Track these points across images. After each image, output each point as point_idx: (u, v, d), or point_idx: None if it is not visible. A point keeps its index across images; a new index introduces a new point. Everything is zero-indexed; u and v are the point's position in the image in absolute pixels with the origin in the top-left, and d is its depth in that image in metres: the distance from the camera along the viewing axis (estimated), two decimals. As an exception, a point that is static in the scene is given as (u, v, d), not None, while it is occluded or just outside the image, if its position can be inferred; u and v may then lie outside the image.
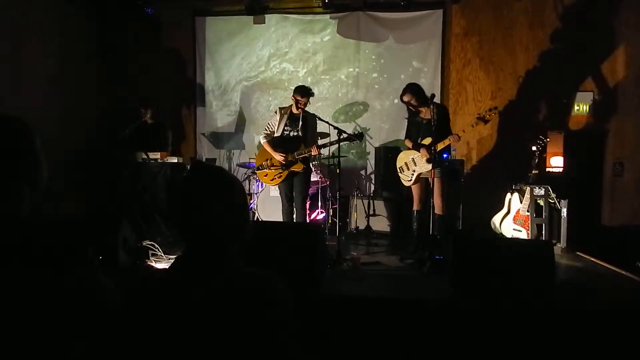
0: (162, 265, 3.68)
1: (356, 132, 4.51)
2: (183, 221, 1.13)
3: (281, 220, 4.67)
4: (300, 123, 4.58)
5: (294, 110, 4.59)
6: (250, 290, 1.07)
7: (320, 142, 4.73)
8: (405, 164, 4.46)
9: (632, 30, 5.60)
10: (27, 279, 1.06)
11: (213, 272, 1.10)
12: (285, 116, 4.63)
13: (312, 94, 4.56)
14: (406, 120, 4.65)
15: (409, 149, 4.48)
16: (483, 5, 6.00)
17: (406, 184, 4.49)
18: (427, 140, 4.21)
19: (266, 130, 4.73)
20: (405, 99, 4.32)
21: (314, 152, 4.42)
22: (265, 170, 4.66)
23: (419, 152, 4.29)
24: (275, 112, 4.73)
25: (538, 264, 2.94)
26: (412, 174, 4.38)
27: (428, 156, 4.14)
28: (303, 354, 1.11)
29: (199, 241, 1.13)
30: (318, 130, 4.83)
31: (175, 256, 1.09)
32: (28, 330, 1.05)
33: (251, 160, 6.01)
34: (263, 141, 4.71)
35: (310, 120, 4.62)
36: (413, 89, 4.31)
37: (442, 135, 4.13)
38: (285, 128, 4.61)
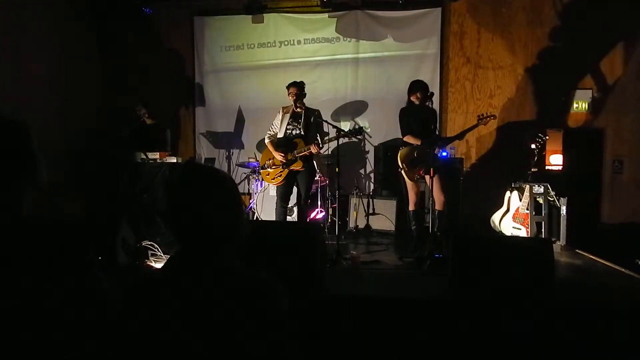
0: (162, 265, 3.67)
1: (355, 128, 4.50)
2: (175, 221, 1.13)
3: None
4: (302, 121, 4.58)
5: (295, 108, 4.60)
6: (247, 291, 1.07)
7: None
8: (412, 160, 4.35)
9: (630, 28, 5.60)
10: (27, 278, 1.07)
11: (206, 272, 1.10)
12: (287, 115, 4.64)
13: (294, 83, 4.60)
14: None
15: (408, 144, 4.39)
16: (481, 3, 6.00)
17: (412, 179, 4.36)
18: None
19: (270, 130, 4.76)
20: (418, 94, 4.31)
21: (313, 150, 4.41)
22: (267, 169, 4.68)
23: (429, 147, 4.17)
24: (279, 112, 4.75)
25: (537, 262, 2.94)
26: (421, 170, 4.29)
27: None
28: (301, 354, 1.11)
29: (191, 241, 1.13)
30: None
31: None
32: (28, 329, 1.05)
33: (250, 160, 6.02)
34: (267, 141, 4.74)
35: (314, 117, 4.57)
36: (424, 86, 4.35)
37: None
38: (288, 127, 4.62)
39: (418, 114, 4.38)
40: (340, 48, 6.34)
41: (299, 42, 6.44)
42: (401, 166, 4.37)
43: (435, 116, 4.29)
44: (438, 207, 4.18)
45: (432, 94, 4.14)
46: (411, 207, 4.44)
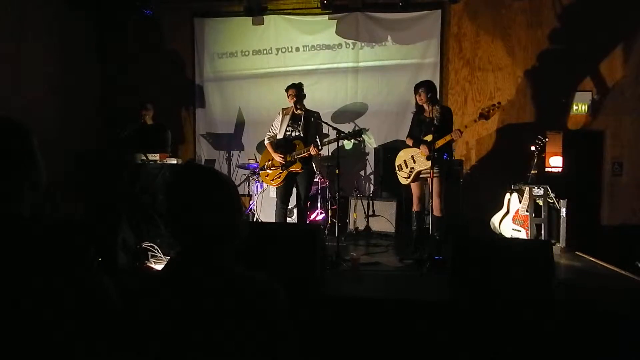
0: (162, 266, 3.67)
1: (355, 130, 4.52)
2: (174, 222, 1.13)
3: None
4: (302, 123, 4.58)
5: (295, 110, 4.61)
6: (246, 292, 1.07)
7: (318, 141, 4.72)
8: (404, 161, 4.45)
9: (630, 30, 5.61)
10: (28, 279, 1.07)
11: (206, 273, 1.10)
12: (287, 117, 4.65)
13: (293, 85, 4.62)
14: (408, 119, 4.65)
15: (409, 147, 4.46)
16: (481, 5, 6.01)
17: (403, 182, 4.48)
18: (429, 138, 4.20)
19: (269, 132, 4.76)
20: (420, 91, 4.29)
21: (312, 152, 4.42)
22: (267, 170, 4.68)
23: (419, 149, 4.28)
24: (279, 113, 4.75)
25: (537, 264, 2.94)
26: (411, 172, 4.37)
27: (428, 153, 4.12)
28: (301, 355, 1.11)
29: (190, 242, 1.13)
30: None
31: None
32: (28, 330, 1.05)
33: (250, 162, 6.02)
34: (266, 142, 4.74)
35: (313, 119, 4.58)
36: (428, 85, 4.31)
37: (445, 134, 4.13)
38: (288, 129, 4.63)
39: (420, 116, 4.42)
40: (340, 55, 6.34)
41: (297, 49, 6.43)
42: (396, 167, 4.54)
43: (444, 117, 4.20)
44: (435, 212, 4.17)
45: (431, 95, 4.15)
46: (414, 208, 4.51)
